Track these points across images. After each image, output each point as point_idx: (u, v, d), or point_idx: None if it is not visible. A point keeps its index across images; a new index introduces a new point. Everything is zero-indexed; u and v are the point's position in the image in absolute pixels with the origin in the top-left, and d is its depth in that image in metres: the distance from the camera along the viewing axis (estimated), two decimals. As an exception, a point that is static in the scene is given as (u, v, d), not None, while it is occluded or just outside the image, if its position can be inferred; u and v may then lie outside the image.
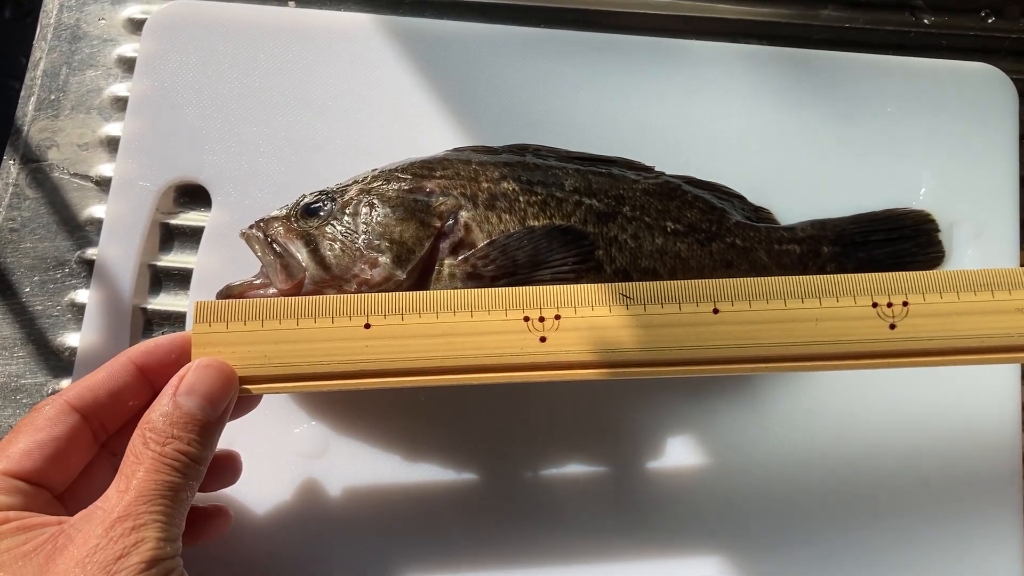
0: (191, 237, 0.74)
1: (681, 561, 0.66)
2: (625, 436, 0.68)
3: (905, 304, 0.56)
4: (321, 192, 0.65)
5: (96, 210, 0.75)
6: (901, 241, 0.71)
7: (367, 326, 0.56)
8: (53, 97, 0.78)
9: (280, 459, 0.67)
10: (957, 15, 0.84)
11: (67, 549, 0.46)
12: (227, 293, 0.63)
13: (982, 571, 0.66)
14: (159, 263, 0.74)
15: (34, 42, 0.80)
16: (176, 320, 0.73)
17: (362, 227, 0.63)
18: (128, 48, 0.80)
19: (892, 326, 0.56)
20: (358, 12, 0.81)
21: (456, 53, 0.77)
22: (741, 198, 0.71)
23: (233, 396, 0.54)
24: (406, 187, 0.64)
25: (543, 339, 0.56)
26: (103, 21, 0.81)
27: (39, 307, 0.73)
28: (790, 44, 0.80)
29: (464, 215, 0.63)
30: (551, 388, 0.66)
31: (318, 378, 0.55)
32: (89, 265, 0.73)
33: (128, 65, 0.79)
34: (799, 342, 0.56)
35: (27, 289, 0.74)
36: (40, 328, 0.73)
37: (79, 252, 0.75)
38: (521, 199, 0.64)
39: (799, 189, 0.74)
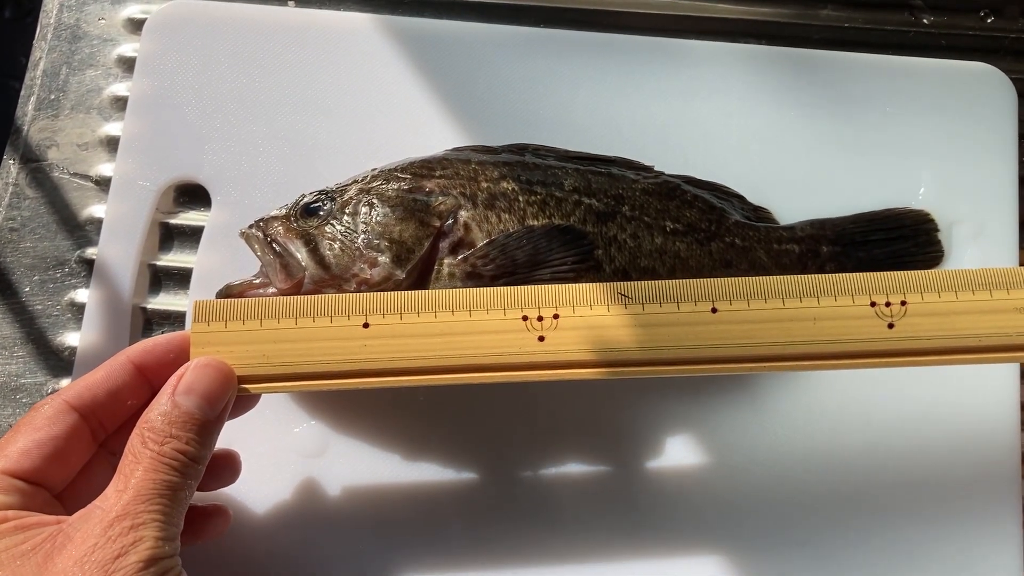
0: (191, 237, 0.74)
1: (681, 560, 0.66)
2: (624, 435, 0.68)
3: (903, 303, 0.56)
4: (320, 192, 0.65)
5: (96, 210, 0.75)
6: (900, 241, 0.71)
7: (366, 325, 0.56)
8: (53, 97, 0.79)
9: (279, 458, 0.67)
10: (956, 15, 0.84)
11: (65, 548, 0.46)
12: (226, 292, 0.63)
13: (982, 571, 0.66)
14: (159, 262, 0.74)
15: (34, 42, 0.80)
16: (176, 319, 0.73)
17: (362, 227, 0.63)
18: (128, 48, 0.80)
19: (890, 325, 0.56)
20: (358, 12, 0.81)
21: (456, 53, 0.77)
22: (740, 198, 0.71)
23: (232, 395, 0.54)
24: (405, 187, 0.64)
25: (542, 338, 0.56)
26: (103, 21, 0.81)
27: (39, 306, 0.74)
28: (789, 44, 0.80)
29: (463, 214, 0.63)
30: (550, 387, 0.66)
31: (317, 377, 0.55)
32: (89, 264, 0.73)
33: (128, 65, 0.79)
34: (798, 341, 0.56)
35: (27, 288, 0.74)
36: (40, 327, 0.73)
37: (79, 251, 0.75)
38: (520, 199, 0.64)
39: (798, 188, 0.74)
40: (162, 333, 0.72)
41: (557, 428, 0.68)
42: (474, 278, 0.62)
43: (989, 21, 0.84)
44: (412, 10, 0.83)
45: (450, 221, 0.63)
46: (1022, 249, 0.73)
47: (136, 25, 0.81)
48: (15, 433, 0.52)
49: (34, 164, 0.77)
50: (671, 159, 0.71)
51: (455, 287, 0.61)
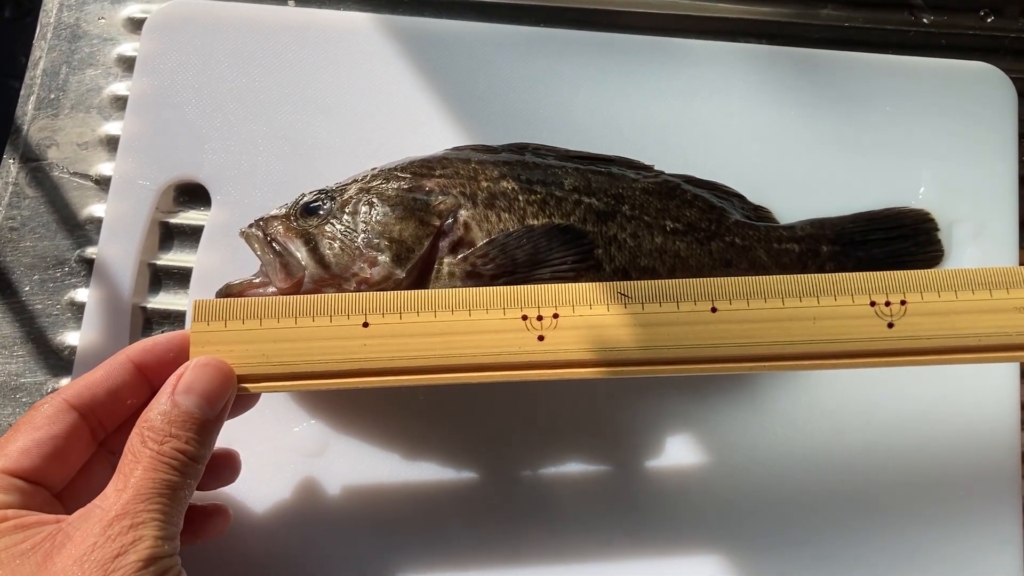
0: (191, 236, 0.74)
1: (681, 560, 0.66)
2: (624, 435, 0.68)
3: (903, 303, 0.56)
4: (320, 191, 0.65)
5: (96, 209, 0.75)
6: (900, 240, 0.71)
7: (365, 325, 0.56)
8: (53, 96, 0.79)
9: (279, 458, 0.67)
10: (956, 14, 0.84)
11: (65, 547, 0.46)
12: (226, 292, 0.63)
13: (982, 571, 0.66)
14: (159, 262, 0.74)
15: (34, 41, 0.80)
16: (175, 319, 0.73)
17: (361, 226, 0.63)
18: (128, 47, 0.80)
19: (890, 325, 0.56)
20: (357, 11, 0.81)
21: (456, 52, 0.77)
22: (740, 197, 0.71)
23: (231, 394, 0.54)
24: (405, 186, 0.64)
25: (541, 338, 0.56)
26: (103, 20, 0.81)
27: (39, 306, 0.74)
28: (790, 43, 0.80)
29: (463, 214, 0.63)
30: (550, 387, 0.66)
31: (317, 377, 0.55)
32: (89, 264, 0.73)
33: (128, 64, 0.79)
34: (797, 341, 0.56)
35: (27, 288, 0.74)
36: (40, 327, 0.73)
37: (79, 251, 0.75)
38: (520, 198, 0.64)
39: (798, 188, 0.74)
40: (162, 332, 0.72)
41: (557, 428, 0.68)
42: (474, 277, 0.62)
43: (989, 21, 0.84)
44: (412, 9, 0.83)
45: (450, 220, 0.63)
46: (1022, 249, 0.73)
47: (136, 24, 0.81)
48: (15, 432, 0.52)
49: (34, 163, 0.77)
50: (671, 158, 0.71)
51: (455, 286, 0.61)
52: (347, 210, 0.63)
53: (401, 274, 0.61)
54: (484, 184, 0.64)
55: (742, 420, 0.69)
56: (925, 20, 0.84)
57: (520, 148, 0.68)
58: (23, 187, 0.76)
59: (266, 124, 0.75)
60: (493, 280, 0.62)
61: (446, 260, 0.63)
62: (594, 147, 0.70)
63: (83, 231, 0.75)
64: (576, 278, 0.62)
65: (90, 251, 0.74)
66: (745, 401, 0.69)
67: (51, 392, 0.62)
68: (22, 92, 0.79)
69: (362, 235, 0.62)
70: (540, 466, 0.68)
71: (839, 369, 0.57)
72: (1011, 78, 0.77)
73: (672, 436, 0.68)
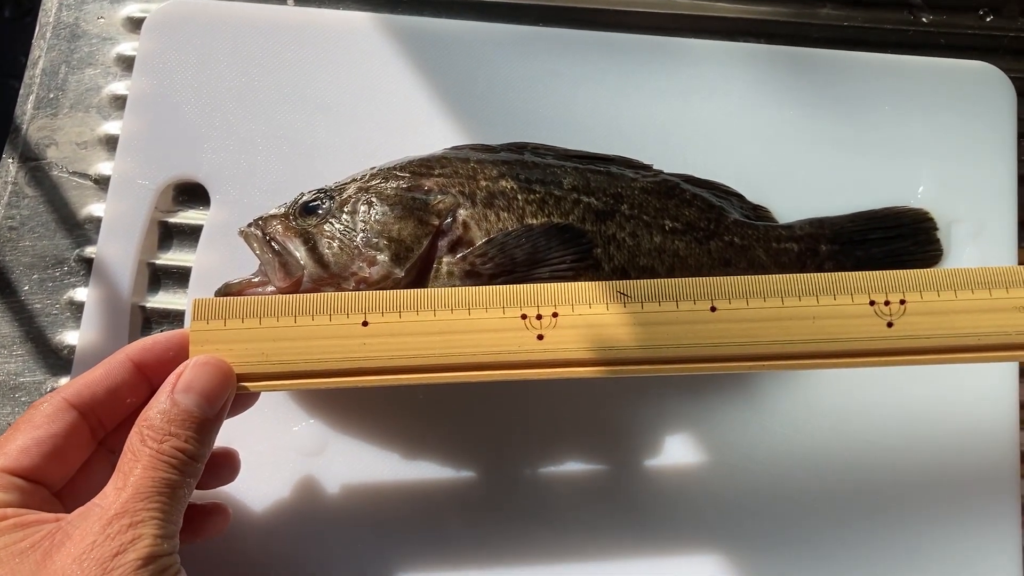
0: (190, 235, 0.74)
1: (680, 559, 0.66)
2: (623, 434, 0.68)
3: (903, 302, 0.56)
4: (319, 190, 0.65)
5: (95, 208, 0.75)
6: (899, 239, 0.71)
7: (365, 324, 0.56)
8: (52, 96, 0.79)
9: (278, 457, 0.67)
10: (955, 13, 0.84)
11: (64, 546, 0.46)
12: (225, 291, 0.63)
13: (982, 571, 0.66)
14: (158, 261, 0.74)
15: (33, 41, 0.80)
16: (175, 318, 0.73)
17: (360, 225, 0.63)
18: (127, 47, 0.80)
19: (889, 324, 0.56)
20: (356, 11, 0.81)
21: (455, 51, 0.77)
22: (739, 196, 0.71)
23: (231, 393, 0.54)
24: (404, 185, 0.64)
25: (541, 337, 0.56)
26: (102, 20, 0.81)
27: (38, 305, 0.74)
28: (789, 43, 0.80)
29: (462, 213, 0.63)
30: (549, 386, 0.66)
31: (316, 376, 0.55)
32: (88, 263, 0.73)
33: (127, 63, 0.79)
34: (797, 340, 0.56)
35: (26, 287, 0.74)
36: (39, 326, 0.73)
37: (78, 250, 0.75)
38: (519, 197, 0.64)
39: (797, 187, 0.74)
40: (161, 332, 0.72)
41: (556, 427, 0.68)
42: (473, 277, 0.62)
43: (988, 20, 0.84)
44: (411, 9, 0.82)
45: (449, 219, 0.63)
46: (1021, 248, 0.73)
47: (135, 24, 0.81)
48: (14, 431, 0.52)
49: (33, 163, 0.77)
50: (670, 158, 0.71)
51: (454, 286, 0.62)
52: (346, 209, 0.63)
53: (400, 273, 0.61)
54: (483, 183, 0.64)
55: (742, 420, 0.69)
56: (924, 19, 0.84)
57: (519, 147, 0.68)
58: (22, 186, 0.76)
59: (265, 123, 0.75)
60: (492, 279, 0.62)
61: (445, 259, 0.63)
62: (593, 146, 0.70)
63: (82, 230, 0.75)
64: (575, 277, 0.62)
65: (89, 250, 0.74)
66: (745, 401, 0.69)
67: (50, 391, 0.61)
68: (21, 91, 0.79)
69: (361, 234, 0.62)
70: (539, 465, 0.68)
71: (839, 368, 0.57)
72: (1010, 77, 0.77)
73: (671, 435, 0.68)
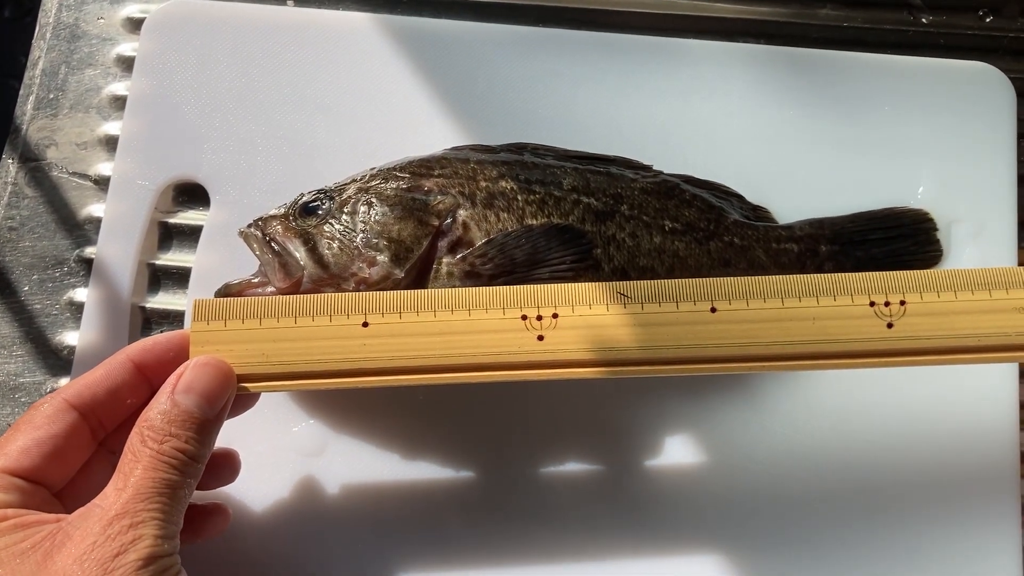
0: (190, 236, 0.74)
1: (680, 559, 0.66)
2: (623, 435, 0.68)
3: (903, 303, 0.56)
4: (319, 191, 0.65)
5: (95, 209, 0.75)
6: (899, 240, 0.71)
7: (365, 324, 0.56)
8: (52, 96, 0.79)
9: (278, 457, 0.67)
10: (955, 14, 0.84)
11: (65, 546, 0.46)
12: (225, 292, 0.63)
13: (982, 571, 0.66)
14: (158, 262, 0.74)
15: (33, 41, 0.80)
16: (175, 319, 0.73)
17: (360, 226, 0.63)
18: (127, 47, 0.80)
19: (889, 325, 0.56)
20: (356, 11, 0.81)
21: (454, 52, 0.77)
22: (739, 197, 0.71)
23: (231, 394, 0.54)
24: (404, 186, 0.64)
25: (541, 338, 0.56)
26: (102, 20, 0.81)
27: (38, 305, 0.74)
28: (788, 43, 0.80)
29: (462, 214, 0.63)
30: (549, 387, 0.66)
31: (316, 376, 0.55)
32: (88, 264, 0.73)
33: (127, 64, 0.79)
34: (797, 341, 0.56)
35: (26, 288, 0.74)
36: (39, 326, 0.73)
37: (78, 251, 0.75)
38: (519, 198, 0.64)
39: (797, 188, 0.74)
40: (161, 332, 0.72)
41: (556, 428, 0.68)
42: (473, 277, 0.62)
43: (988, 20, 0.84)
44: (411, 9, 0.83)
45: (449, 220, 0.63)
46: (1021, 249, 0.73)
47: (135, 24, 0.81)
48: (15, 431, 0.52)
49: (33, 163, 0.77)
50: (670, 158, 0.71)
51: (454, 286, 0.62)
52: (346, 210, 0.63)
53: (400, 274, 0.61)
54: (483, 184, 0.64)
55: (742, 420, 0.69)
56: (924, 20, 0.84)
57: (519, 148, 0.68)
58: (22, 187, 0.76)
59: (265, 124, 0.75)
60: (492, 280, 0.62)
61: (445, 260, 0.63)
62: (593, 147, 0.70)
63: (82, 231, 0.75)
64: (575, 278, 0.62)
65: (89, 251, 0.74)
66: (745, 401, 0.69)
67: (51, 392, 0.62)
68: (21, 92, 0.79)
69: (361, 235, 0.62)
70: (539, 466, 0.68)
71: (839, 369, 0.57)
72: (1010, 78, 0.77)
73: (671, 436, 0.68)
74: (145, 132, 0.75)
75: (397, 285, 0.61)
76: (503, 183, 0.65)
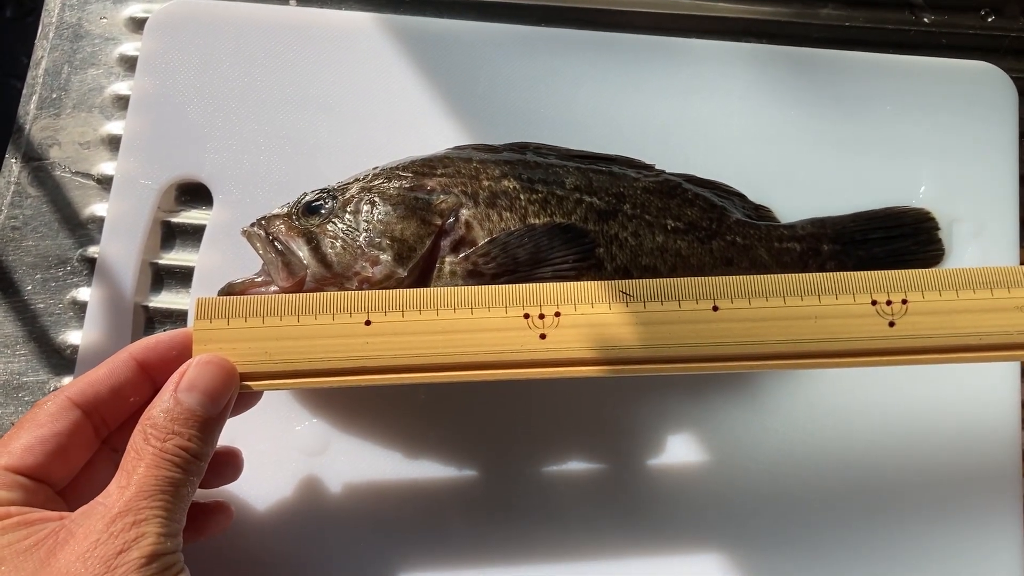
0: (192, 235, 0.75)
1: (681, 559, 0.66)
2: (625, 433, 0.68)
3: (904, 302, 0.56)
4: (322, 190, 0.65)
5: (98, 208, 0.75)
6: (901, 239, 0.71)
7: (368, 323, 0.56)
8: (55, 96, 0.79)
9: (281, 456, 0.67)
10: (957, 13, 0.84)
11: (68, 544, 0.47)
12: (228, 291, 0.63)
13: (982, 571, 0.66)
14: (160, 261, 0.74)
15: (36, 41, 0.80)
16: (177, 318, 0.73)
17: (363, 225, 0.63)
18: (130, 47, 0.80)
19: (891, 324, 0.56)
20: (359, 11, 0.81)
21: (457, 52, 0.77)
22: (741, 196, 0.71)
23: (234, 392, 0.54)
24: (407, 185, 0.64)
25: (543, 336, 0.56)
26: (105, 20, 0.81)
27: (41, 305, 0.74)
28: (790, 43, 0.80)
29: (465, 213, 0.64)
30: (551, 385, 0.66)
31: (319, 375, 0.55)
32: (91, 263, 0.74)
33: (130, 64, 0.79)
34: (798, 340, 0.56)
35: (29, 287, 0.74)
36: (42, 326, 0.73)
37: (81, 250, 0.75)
38: (522, 197, 0.64)
39: (799, 187, 0.74)
40: (164, 331, 0.72)
41: (558, 426, 0.68)
42: (475, 276, 0.62)
43: (990, 20, 0.84)
44: (413, 9, 0.83)
45: (451, 219, 0.63)
46: (1022, 248, 0.73)
47: (138, 24, 0.81)
48: (18, 429, 0.52)
49: (36, 163, 0.77)
50: (672, 158, 0.71)
51: (456, 285, 0.62)
52: (349, 209, 0.63)
53: (403, 273, 0.62)
54: (485, 183, 0.65)
55: (743, 419, 0.69)
56: (926, 19, 0.84)
57: (521, 147, 0.69)
58: (25, 186, 0.76)
59: (268, 123, 0.75)
60: (495, 279, 0.62)
61: (448, 259, 0.63)
62: (595, 146, 0.70)
63: (85, 230, 0.75)
64: (577, 277, 0.62)
65: (92, 250, 0.74)
66: (746, 400, 0.69)
67: (54, 390, 0.62)
68: (24, 92, 0.79)
69: (364, 234, 0.62)
70: (541, 465, 0.68)
71: (840, 368, 0.57)
72: (1012, 77, 0.77)
73: (673, 435, 0.69)
74: (148, 131, 0.75)
75: (400, 284, 0.61)
76: (506, 182, 0.65)
